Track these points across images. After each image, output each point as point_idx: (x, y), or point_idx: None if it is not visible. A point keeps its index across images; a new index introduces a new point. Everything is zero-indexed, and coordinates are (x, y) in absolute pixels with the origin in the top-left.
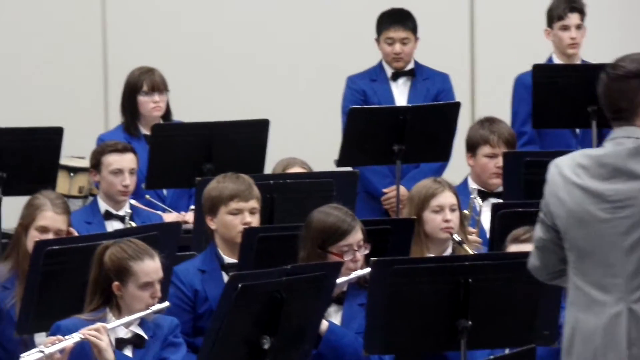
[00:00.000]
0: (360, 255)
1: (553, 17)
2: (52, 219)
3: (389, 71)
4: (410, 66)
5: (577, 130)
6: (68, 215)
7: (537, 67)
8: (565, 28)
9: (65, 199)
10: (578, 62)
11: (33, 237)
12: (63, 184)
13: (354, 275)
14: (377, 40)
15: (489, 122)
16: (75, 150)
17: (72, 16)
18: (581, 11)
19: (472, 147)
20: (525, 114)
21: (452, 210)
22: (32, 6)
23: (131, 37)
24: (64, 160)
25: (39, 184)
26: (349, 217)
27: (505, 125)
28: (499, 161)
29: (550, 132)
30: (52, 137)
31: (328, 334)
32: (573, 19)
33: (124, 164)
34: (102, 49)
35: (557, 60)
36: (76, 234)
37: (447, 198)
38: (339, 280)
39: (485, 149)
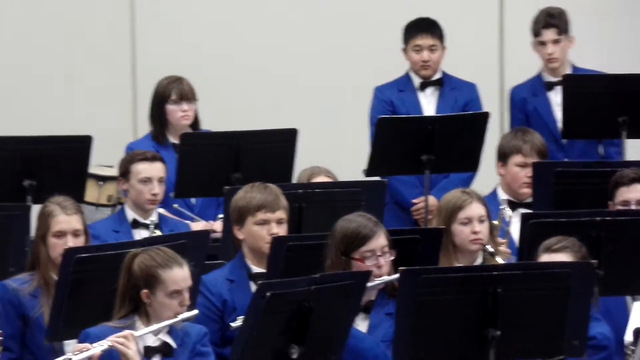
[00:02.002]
0: (383, 261)
1: (532, 32)
2: (65, 221)
3: (417, 81)
4: (438, 76)
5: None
6: (81, 214)
7: (567, 77)
8: (542, 44)
9: (94, 207)
10: (568, 71)
11: (53, 244)
12: (92, 192)
13: (379, 281)
14: (405, 49)
15: (522, 131)
16: (104, 159)
17: (101, 26)
18: (557, 26)
19: (503, 156)
20: (515, 127)
21: (481, 221)
22: (62, 17)
23: (160, 46)
24: (92, 169)
25: (68, 192)
26: (371, 222)
27: (537, 136)
28: (530, 171)
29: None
30: (81, 146)
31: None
32: (549, 34)
33: (153, 172)
34: (131, 58)
35: (545, 73)
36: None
37: (476, 210)
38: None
39: (517, 158)
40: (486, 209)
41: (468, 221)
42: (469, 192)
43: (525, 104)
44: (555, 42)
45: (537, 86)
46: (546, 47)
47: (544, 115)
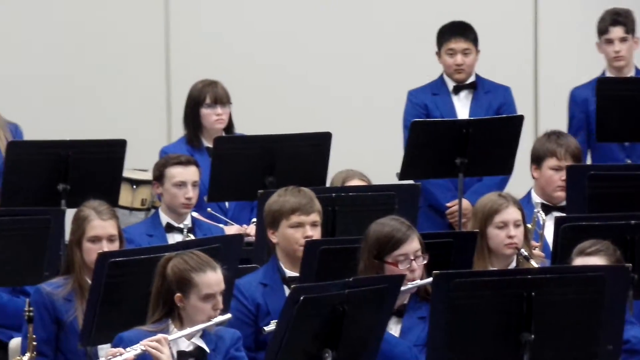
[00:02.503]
0: (416, 264)
1: (599, 30)
2: (101, 227)
3: (451, 84)
4: (472, 79)
5: (626, 144)
6: (116, 219)
7: (600, 81)
8: (609, 42)
9: (128, 211)
10: (631, 73)
11: (88, 249)
12: (126, 196)
13: (412, 285)
14: (438, 53)
15: (556, 135)
16: (138, 163)
17: (135, 31)
18: (625, 24)
19: (538, 159)
20: (574, 128)
21: (517, 226)
22: (96, 22)
23: (194, 50)
24: (126, 173)
25: (103, 196)
26: (404, 226)
27: (572, 139)
28: (565, 174)
29: (599, 145)
30: (115, 150)
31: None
32: (616, 32)
33: (187, 176)
34: (165, 62)
35: (608, 73)
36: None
37: (512, 214)
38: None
39: (552, 162)
40: (522, 214)
41: (504, 225)
42: (505, 196)
43: (587, 104)
44: (622, 40)
45: None
46: (613, 45)
47: None
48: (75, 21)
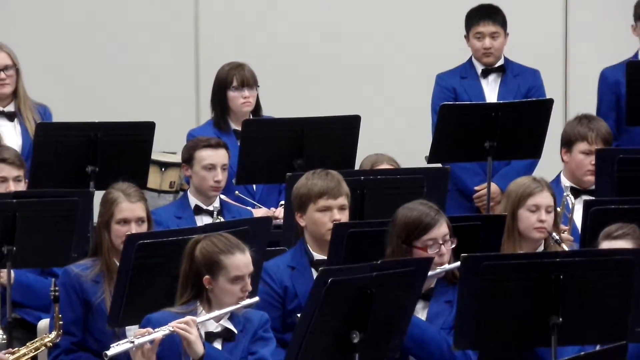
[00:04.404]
0: (445, 249)
1: (638, 13)
2: (129, 209)
3: (479, 68)
4: (500, 62)
5: None
6: (144, 201)
7: (630, 65)
8: None
9: (156, 193)
10: None
11: (116, 231)
12: (154, 178)
13: (441, 269)
14: (467, 37)
15: (587, 119)
16: (166, 145)
17: (164, 14)
18: None
19: (568, 143)
20: (604, 109)
21: (548, 211)
22: (125, 5)
23: (222, 33)
24: (155, 155)
25: (131, 178)
26: (433, 211)
27: (603, 123)
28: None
29: (629, 128)
30: (144, 132)
31: (412, 327)
32: None
33: (217, 159)
34: (194, 45)
35: None
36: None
37: (545, 199)
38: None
39: (582, 146)
40: (554, 200)
41: (536, 209)
42: (540, 181)
43: (619, 85)
44: None
45: None
46: None
47: None
48: (105, 4)
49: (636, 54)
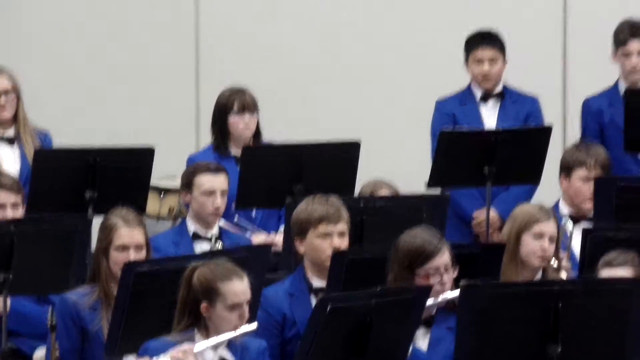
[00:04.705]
0: (447, 277)
1: (616, 42)
2: (128, 235)
3: (478, 93)
4: (499, 89)
5: (639, 156)
6: (143, 227)
7: (629, 92)
8: (627, 54)
9: (155, 220)
10: None
11: (115, 258)
12: (153, 204)
13: (442, 297)
14: (466, 62)
15: (586, 145)
16: (165, 171)
17: (164, 36)
18: None
19: (567, 169)
20: (587, 138)
21: (551, 241)
22: (125, 28)
23: (223, 57)
24: (154, 181)
25: (130, 204)
26: (435, 239)
27: (602, 150)
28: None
29: (613, 157)
30: (143, 158)
31: (411, 358)
32: (634, 45)
33: (216, 185)
34: (194, 69)
35: (621, 84)
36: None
37: (550, 227)
38: (427, 303)
39: (581, 172)
40: (558, 232)
41: (540, 236)
42: (547, 210)
43: (602, 114)
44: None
45: (614, 96)
46: (630, 58)
47: (623, 126)
48: (104, 27)
49: (616, 83)
